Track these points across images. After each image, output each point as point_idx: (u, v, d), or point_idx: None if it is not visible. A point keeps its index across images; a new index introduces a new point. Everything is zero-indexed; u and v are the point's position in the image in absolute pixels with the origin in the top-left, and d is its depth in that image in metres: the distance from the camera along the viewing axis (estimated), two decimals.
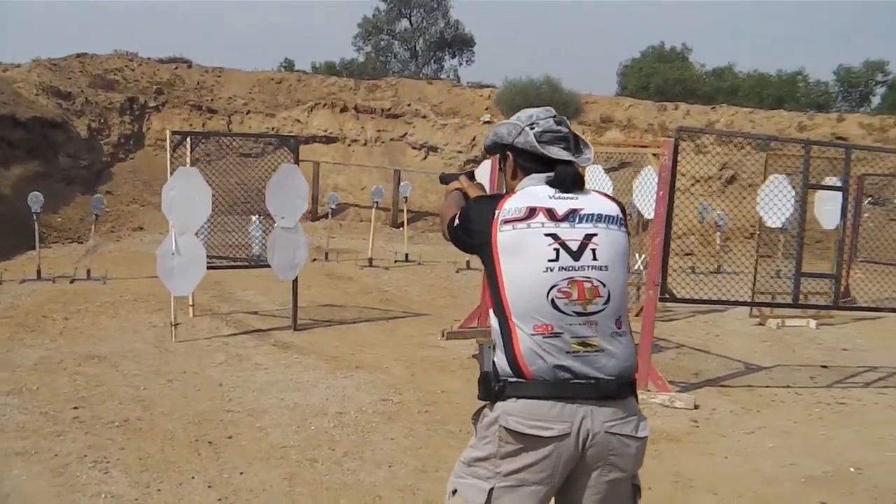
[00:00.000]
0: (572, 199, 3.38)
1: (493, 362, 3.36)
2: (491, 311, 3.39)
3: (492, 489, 3.27)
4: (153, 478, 6.02)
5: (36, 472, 6.04)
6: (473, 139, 28.20)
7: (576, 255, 3.27)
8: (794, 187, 11.79)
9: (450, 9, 45.54)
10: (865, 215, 16.91)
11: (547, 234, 3.28)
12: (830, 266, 13.68)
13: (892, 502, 6.49)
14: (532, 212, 3.32)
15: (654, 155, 9.21)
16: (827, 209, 12.93)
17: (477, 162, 26.89)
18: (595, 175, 10.75)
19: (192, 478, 6.05)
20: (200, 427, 7.18)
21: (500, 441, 3.27)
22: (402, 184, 22.19)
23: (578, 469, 3.27)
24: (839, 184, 11.26)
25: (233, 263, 12.34)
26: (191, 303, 11.86)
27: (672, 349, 11.71)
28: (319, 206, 24.42)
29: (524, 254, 3.27)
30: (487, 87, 31.58)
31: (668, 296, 9.23)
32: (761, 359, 11.35)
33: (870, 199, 18.90)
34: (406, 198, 21.26)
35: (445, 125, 28.74)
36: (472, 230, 3.45)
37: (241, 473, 6.17)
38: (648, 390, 8.79)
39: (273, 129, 27.13)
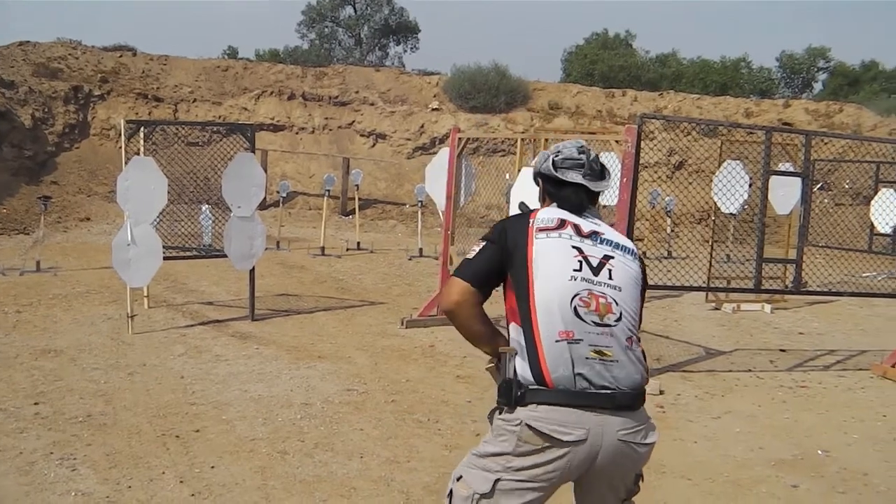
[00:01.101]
0: (595, 223, 3.70)
1: (514, 370, 3.50)
2: (512, 322, 3.57)
3: (498, 480, 3.42)
4: (123, 474, 5.92)
5: (2, 471, 5.93)
6: (422, 126, 28.13)
7: (595, 271, 3.54)
8: (746, 173, 11.86)
9: None
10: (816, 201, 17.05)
11: (573, 247, 3.57)
12: (783, 251, 13.83)
13: (860, 484, 6.57)
14: (562, 223, 3.62)
15: (616, 142, 9.17)
16: (780, 195, 13.00)
17: (425, 149, 26.88)
18: None
19: (163, 473, 5.95)
20: (166, 421, 7.08)
21: (519, 440, 3.41)
22: (353, 171, 22.09)
23: (589, 474, 3.47)
24: (792, 169, 11.34)
25: (188, 254, 12.19)
26: (145, 294, 11.70)
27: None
28: (268, 195, 24.23)
29: (555, 260, 3.52)
30: (435, 74, 31.47)
31: None
32: (721, 343, 11.43)
33: (819, 184, 19.08)
34: (357, 186, 21.12)
35: (394, 112, 28.62)
36: (507, 235, 3.62)
37: (213, 467, 6.09)
38: None
39: (220, 117, 26.87)
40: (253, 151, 11.23)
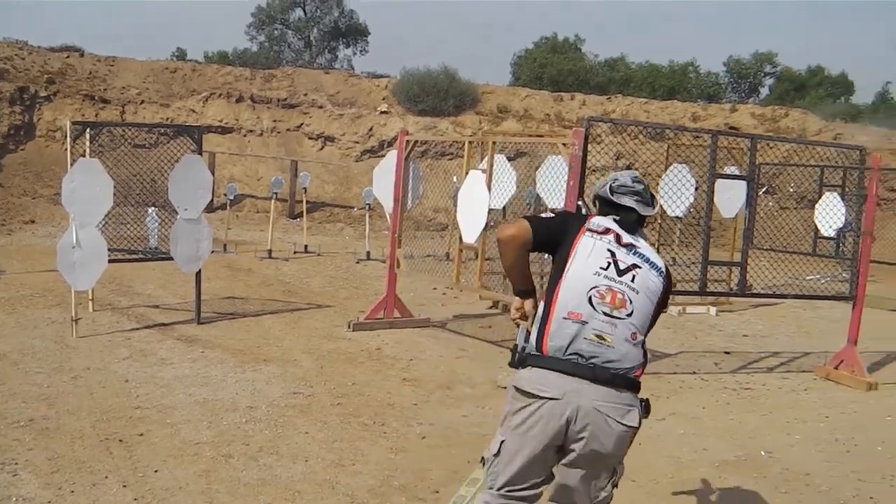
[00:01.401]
0: (636, 240, 4.35)
1: (525, 339, 4.24)
2: (541, 300, 4.26)
3: (503, 441, 4.15)
4: (65, 479, 5.85)
5: None
6: (370, 129, 28.13)
7: (620, 273, 4.19)
8: (692, 176, 11.94)
9: None
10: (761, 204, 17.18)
11: (608, 250, 4.24)
12: (728, 254, 13.94)
13: (802, 484, 6.64)
14: (607, 231, 4.30)
15: (563, 145, 9.20)
16: (726, 198, 13.11)
17: (373, 152, 26.86)
18: (500, 165, 10.75)
19: (106, 477, 5.90)
20: (109, 425, 7.02)
21: (513, 399, 4.15)
22: (301, 174, 21.97)
23: (568, 438, 4.03)
24: (738, 173, 11.44)
25: (134, 256, 12.09)
26: (90, 297, 11.59)
27: None
28: (216, 198, 24.08)
29: (589, 256, 4.20)
30: (384, 77, 31.45)
31: None
32: (666, 346, 11.50)
33: (764, 188, 19.24)
34: (305, 189, 21.06)
35: (342, 115, 28.58)
36: (567, 223, 4.40)
37: (156, 471, 6.05)
38: None
39: (168, 119, 26.69)
40: (200, 153, 11.17)
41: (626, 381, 4.06)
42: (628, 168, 26.36)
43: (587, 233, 4.27)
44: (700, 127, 23.18)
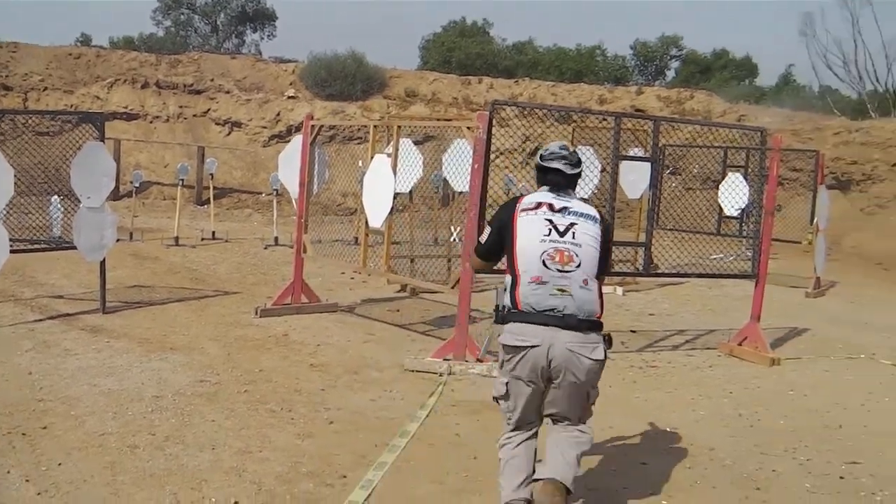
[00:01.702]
0: (567, 201, 5.31)
1: (504, 301, 5.25)
2: (507, 272, 5.27)
3: (507, 382, 5.21)
4: None
5: None
6: (278, 114, 27.99)
7: (562, 234, 5.16)
8: (598, 159, 12.02)
9: None
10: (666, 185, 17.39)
11: (545, 220, 5.20)
12: (634, 235, 14.10)
13: (706, 458, 6.79)
14: (539, 205, 5.27)
15: (468, 128, 9.23)
16: (631, 180, 13.24)
17: (281, 137, 26.70)
18: (406, 149, 10.75)
19: (8, 472, 5.80)
20: (12, 418, 6.90)
21: (504, 353, 5.20)
22: (208, 160, 21.79)
23: (552, 373, 5.06)
24: (642, 155, 11.56)
25: (37, 246, 11.89)
26: None
27: (487, 319, 11.83)
28: (122, 185, 23.74)
29: (530, 228, 5.18)
30: (291, 61, 31.27)
31: None
32: None
33: (669, 169, 19.47)
34: (212, 175, 20.88)
35: (249, 100, 28.43)
36: (501, 223, 5.37)
37: (60, 465, 5.95)
38: (467, 361, 8.91)
39: (72, 106, 26.30)
40: (103, 141, 11.01)
41: (589, 324, 5.10)
42: (536, 150, 26.54)
43: (521, 213, 5.26)
44: (606, 110, 23.43)
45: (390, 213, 10.44)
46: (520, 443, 5.30)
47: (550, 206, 5.24)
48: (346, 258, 12.52)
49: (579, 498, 5.77)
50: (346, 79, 28.67)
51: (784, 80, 46.18)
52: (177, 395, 7.69)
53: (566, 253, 5.10)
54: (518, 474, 5.20)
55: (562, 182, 5.38)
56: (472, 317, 11.27)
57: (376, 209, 10.50)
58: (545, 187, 5.41)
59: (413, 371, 8.88)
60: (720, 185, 16.46)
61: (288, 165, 12.05)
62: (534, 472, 5.21)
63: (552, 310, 5.03)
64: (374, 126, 11.30)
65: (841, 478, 6.53)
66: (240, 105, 28.26)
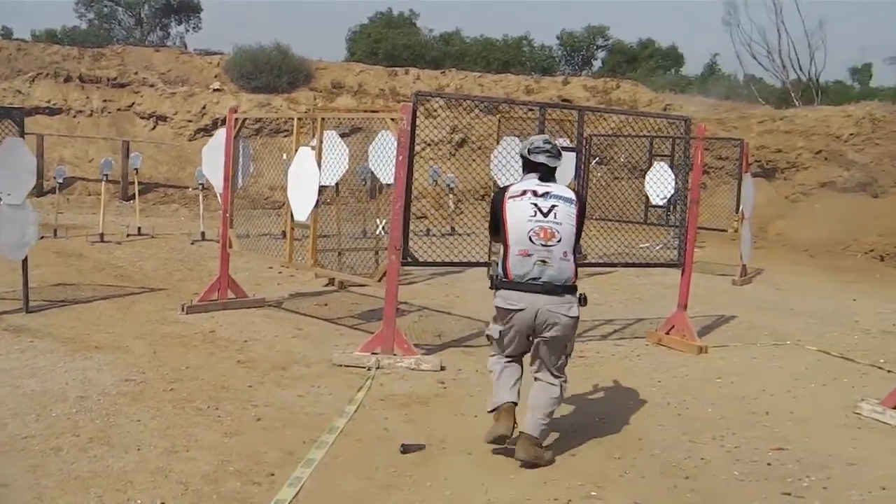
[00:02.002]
0: (548, 187, 6.52)
1: (498, 271, 6.51)
2: (501, 246, 6.53)
3: (501, 329, 6.61)
4: None
5: None
6: (204, 107, 27.74)
7: (545, 215, 6.37)
8: None
9: None
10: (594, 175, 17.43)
11: (531, 203, 6.41)
12: None
13: (636, 448, 6.84)
14: (524, 192, 6.47)
15: (392, 119, 9.19)
16: (557, 170, 13.24)
17: (207, 131, 26.44)
18: (332, 141, 10.66)
19: None
20: None
21: (498, 312, 6.58)
22: (132, 155, 21.48)
23: (536, 331, 6.45)
24: (568, 144, 11.57)
25: None
26: None
27: (415, 312, 11.87)
28: (45, 181, 23.38)
29: (519, 212, 6.40)
30: (216, 54, 31.00)
31: (410, 260, 9.28)
32: None
33: (596, 159, 19.53)
34: (136, 169, 20.60)
35: (174, 94, 28.13)
36: (495, 208, 6.58)
37: None
38: (395, 354, 8.89)
39: None
40: (23, 136, 10.83)
41: (564, 288, 6.40)
42: (463, 141, 26.64)
43: (510, 200, 6.46)
44: (532, 100, 23.48)
45: (316, 206, 10.38)
46: (508, 363, 6.74)
47: (534, 192, 6.45)
48: (272, 252, 12.42)
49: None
50: (271, 71, 28.46)
51: (709, 70, 46.71)
52: (102, 395, 7.56)
53: (549, 230, 6.34)
54: (509, 380, 6.68)
55: (545, 172, 6.62)
56: (401, 310, 11.27)
57: (301, 203, 10.43)
58: (533, 174, 6.63)
59: (341, 366, 8.83)
60: (646, 175, 16.56)
61: (212, 160, 11.91)
62: (518, 381, 6.74)
63: (535, 279, 6.33)
64: (299, 118, 11.23)
65: (768, 464, 6.59)
66: (164, 98, 27.96)
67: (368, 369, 8.66)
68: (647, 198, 16.94)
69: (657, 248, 19.03)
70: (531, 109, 13.95)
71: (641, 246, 17.73)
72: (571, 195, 6.61)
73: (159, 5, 43.44)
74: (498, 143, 11.32)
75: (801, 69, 37.85)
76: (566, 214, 6.41)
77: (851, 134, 24.00)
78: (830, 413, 7.99)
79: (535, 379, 6.69)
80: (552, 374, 6.63)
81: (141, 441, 6.48)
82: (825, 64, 51.92)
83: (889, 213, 21.08)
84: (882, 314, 13.36)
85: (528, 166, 6.70)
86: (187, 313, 11.01)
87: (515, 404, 6.60)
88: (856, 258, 20.24)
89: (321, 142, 10.34)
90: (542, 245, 6.32)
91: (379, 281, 9.30)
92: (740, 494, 6.01)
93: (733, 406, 8.17)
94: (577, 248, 6.55)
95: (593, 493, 5.89)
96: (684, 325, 10.58)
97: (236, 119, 11.48)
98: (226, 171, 11.43)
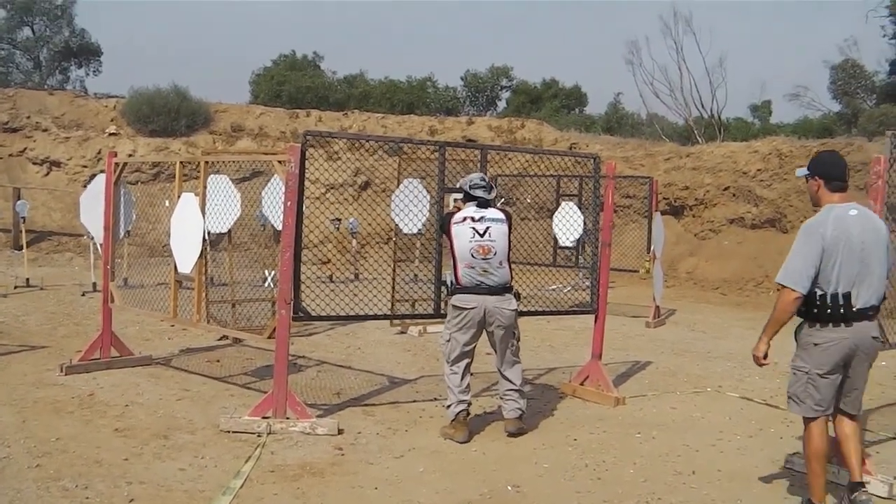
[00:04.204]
0: (484, 212, 8.20)
1: (452, 279, 8.23)
2: (452, 261, 8.19)
3: (452, 333, 8.25)
4: None
5: None
6: (99, 152, 26.89)
7: (482, 235, 8.05)
8: (428, 191, 11.47)
9: (74, 17, 43.42)
10: None
11: (470, 227, 8.08)
12: None
13: None
14: (465, 218, 8.15)
15: (279, 162, 8.48)
16: None
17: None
18: (219, 185, 9.94)
19: None
20: None
21: (453, 312, 8.22)
22: (18, 203, 20.53)
23: (487, 324, 8.16)
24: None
25: None
26: None
27: (313, 367, 11.17)
28: None
29: (461, 234, 8.08)
30: (114, 97, 30.18)
31: (301, 314, 8.55)
32: (406, 370, 11.10)
33: (502, 199, 19.10)
34: (24, 218, 19.62)
35: (69, 138, 27.25)
36: (443, 226, 8.39)
37: None
38: (288, 418, 8.13)
39: None
40: None
41: (504, 289, 8.20)
42: (367, 184, 26.19)
43: (454, 225, 8.16)
44: (435, 139, 23.05)
45: (200, 256, 9.63)
46: (463, 368, 8.36)
47: (472, 218, 8.15)
48: (155, 306, 11.45)
49: None
50: (168, 114, 27.73)
51: (613, 109, 46.86)
52: None
53: (486, 247, 8.06)
54: (462, 384, 8.33)
55: (482, 202, 8.28)
56: (298, 364, 10.63)
57: (184, 253, 9.67)
58: (472, 204, 8.30)
59: (229, 432, 8.06)
60: (554, 215, 16.15)
61: (90, 207, 11.17)
62: (468, 378, 8.43)
63: (480, 283, 8.08)
64: (181, 163, 10.48)
65: None
66: (58, 143, 27.05)
67: (258, 435, 7.91)
68: (556, 239, 16.53)
69: (566, 289, 18.66)
70: (435, 150, 13.44)
71: (550, 288, 17.29)
72: (501, 216, 8.29)
73: (58, 48, 42.52)
74: (398, 185, 10.76)
75: (703, 106, 38.19)
76: (499, 232, 8.15)
77: (759, 169, 24.05)
78: (760, 468, 7.46)
79: (502, 375, 8.50)
80: (513, 357, 8.45)
81: None
82: (726, 101, 52.33)
83: None
84: None
85: (468, 197, 8.35)
86: (66, 374, 10.14)
87: (468, 413, 8.37)
88: (768, 294, 20.03)
89: (204, 187, 9.62)
90: (482, 259, 8.05)
91: (268, 337, 8.53)
92: None
93: (656, 465, 7.61)
94: (509, 255, 8.31)
95: None
96: (599, 376, 10.03)
97: (116, 164, 10.73)
98: (106, 219, 10.66)
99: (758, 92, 56.36)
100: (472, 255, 8.03)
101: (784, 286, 6.07)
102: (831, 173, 6.28)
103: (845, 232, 5.99)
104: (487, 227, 8.09)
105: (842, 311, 6.03)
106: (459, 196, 8.92)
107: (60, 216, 25.38)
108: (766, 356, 6.37)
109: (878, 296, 6.18)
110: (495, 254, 8.08)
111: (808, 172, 6.42)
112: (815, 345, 6.17)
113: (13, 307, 15.43)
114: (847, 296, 6.01)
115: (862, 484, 6.39)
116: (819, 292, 6.04)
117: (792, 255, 6.12)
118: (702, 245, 23.78)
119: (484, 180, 8.38)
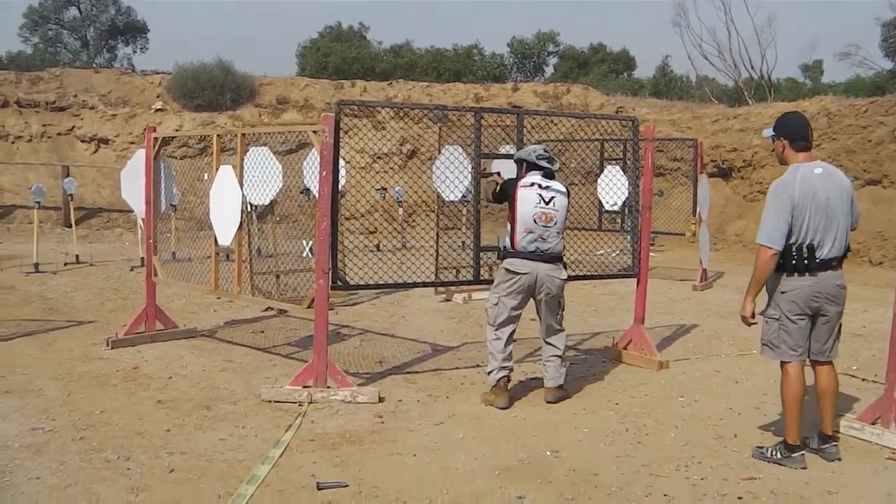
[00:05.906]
0: (549, 183, 8.31)
1: (506, 244, 8.27)
2: (508, 222, 8.28)
3: (499, 297, 8.28)
4: None
5: None
6: (146, 129, 26.96)
7: (547, 203, 8.17)
8: (469, 157, 11.43)
9: None
10: None
11: (537, 193, 8.17)
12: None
13: (590, 486, 6.17)
14: (532, 184, 8.24)
15: (314, 132, 8.46)
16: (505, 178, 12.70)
17: None
18: (260, 157, 9.98)
19: None
20: None
21: (504, 276, 8.24)
22: (66, 180, 20.65)
23: (536, 292, 8.22)
24: (513, 151, 10.97)
25: None
26: None
27: (356, 336, 11.17)
28: None
29: (527, 199, 8.17)
30: (159, 73, 30.29)
31: (340, 283, 8.57)
32: (449, 338, 11.10)
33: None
34: (72, 195, 19.78)
35: (116, 115, 27.37)
36: (506, 191, 8.38)
37: None
38: (329, 387, 8.16)
39: None
40: None
41: (556, 258, 8.26)
42: (413, 152, 26.15)
43: (521, 188, 8.22)
44: (480, 107, 22.95)
45: (239, 228, 9.66)
46: (508, 334, 8.37)
47: (539, 185, 8.23)
48: (205, 278, 11.51)
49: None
50: (214, 89, 27.79)
51: (661, 72, 46.45)
52: (2, 448, 6.80)
53: (548, 214, 8.16)
54: (505, 350, 8.36)
55: (548, 172, 8.39)
56: (341, 334, 10.64)
57: (224, 226, 9.70)
58: (537, 173, 8.36)
59: (270, 402, 8.10)
60: (598, 179, 16.05)
61: (131, 183, 11.20)
62: (511, 346, 8.45)
63: (536, 250, 8.13)
64: (217, 136, 10.47)
65: (739, 498, 5.97)
66: (105, 121, 27.19)
67: (300, 405, 7.96)
68: (601, 203, 16.42)
69: (613, 254, 18.59)
70: (476, 116, 13.41)
71: (597, 253, 17.21)
72: (564, 190, 8.41)
73: (105, 27, 42.79)
74: (440, 152, 10.72)
75: (752, 67, 37.62)
76: (561, 204, 8.27)
77: None
78: (804, 430, 7.35)
79: (545, 341, 8.58)
80: (557, 326, 8.53)
81: None
82: (776, 61, 51.91)
83: None
84: (849, 316, 12.79)
85: (531, 167, 8.42)
86: (112, 348, 10.25)
87: (509, 379, 8.41)
88: None
89: (242, 159, 9.63)
90: (543, 226, 8.14)
91: (308, 307, 8.54)
92: None
93: (698, 429, 7.57)
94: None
95: None
96: (642, 340, 9.98)
97: (155, 138, 10.76)
98: (147, 194, 10.71)
99: (809, 51, 55.74)
100: (535, 221, 8.09)
101: (762, 245, 6.58)
102: (795, 134, 6.74)
103: (811, 189, 6.45)
104: (553, 197, 8.20)
105: (805, 261, 6.54)
106: (503, 166, 9.76)
107: (109, 193, 25.51)
108: (753, 315, 6.98)
109: (841, 247, 6.64)
110: (555, 223, 8.18)
111: (773, 133, 6.89)
112: (783, 293, 6.73)
113: (62, 284, 15.60)
114: (811, 247, 6.51)
115: (832, 437, 6.96)
116: (787, 244, 6.50)
117: (765, 215, 6.60)
118: (750, 207, 23.43)
119: (547, 151, 8.48)
